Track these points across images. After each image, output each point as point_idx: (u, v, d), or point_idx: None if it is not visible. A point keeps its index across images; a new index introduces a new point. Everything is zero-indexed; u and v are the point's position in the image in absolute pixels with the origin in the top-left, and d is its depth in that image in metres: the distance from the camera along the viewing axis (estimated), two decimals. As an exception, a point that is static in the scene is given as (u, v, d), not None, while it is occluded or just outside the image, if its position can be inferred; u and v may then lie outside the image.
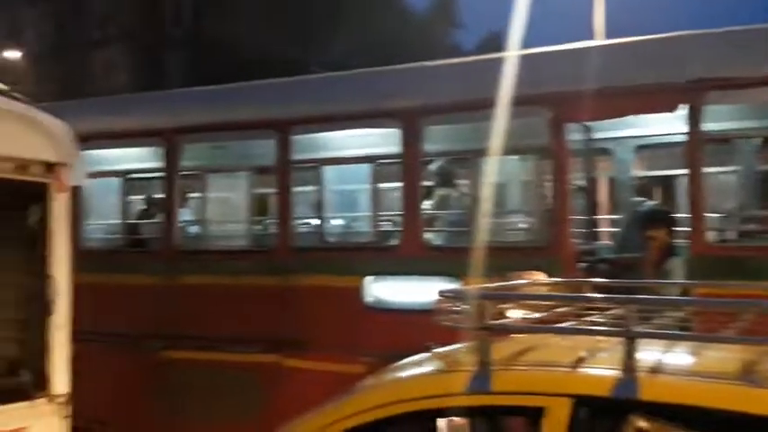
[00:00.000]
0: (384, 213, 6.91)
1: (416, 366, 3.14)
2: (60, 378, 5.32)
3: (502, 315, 3.04)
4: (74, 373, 5.43)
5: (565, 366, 2.74)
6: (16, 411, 5.07)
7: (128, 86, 30.55)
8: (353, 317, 6.45)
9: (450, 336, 3.07)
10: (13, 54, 31.47)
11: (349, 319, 6.46)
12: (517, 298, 3.36)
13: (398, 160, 6.46)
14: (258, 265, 6.91)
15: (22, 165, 5.13)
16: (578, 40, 6.50)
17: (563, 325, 3.10)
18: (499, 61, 5.74)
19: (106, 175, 7.40)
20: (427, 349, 3.15)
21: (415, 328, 5.99)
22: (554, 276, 4.63)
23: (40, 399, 5.21)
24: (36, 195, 5.31)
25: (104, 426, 6.90)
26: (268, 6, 30.60)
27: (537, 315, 3.24)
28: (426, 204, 6.74)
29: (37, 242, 5.37)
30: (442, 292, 2.91)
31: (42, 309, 5.31)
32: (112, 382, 6.94)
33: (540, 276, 4.00)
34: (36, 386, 5.26)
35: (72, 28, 35.49)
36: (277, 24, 30.54)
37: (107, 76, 33.85)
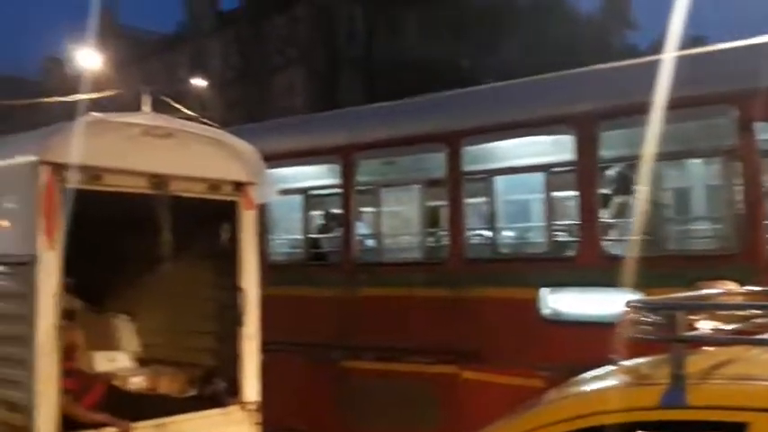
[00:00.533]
0: (559, 223, 6.75)
1: (602, 380, 3.03)
2: (251, 386, 5.62)
3: (691, 327, 2.87)
4: (261, 381, 5.73)
5: (768, 380, 2.55)
6: (211, 418, 5.42)
7: (305, 107, 32.02)
8: (530, 329, 6.34)
9: (632, 348, 2.94)
10: (200, 83, 33.83)
11: (525, 331, 6.36)
12: (714, 308, 3.16)
13: (573, 167, 6.29)
14: (432, 277, 6.97)
15: (215, 185, 5.50)
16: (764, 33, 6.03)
17: (768, 336, 2.87)
18: (679, 60, 5.46)
19: (288, 192, 7.76)
20: (611, 362, 3.02)
21: (595, 341, 5.81)
22: (746, 285, 4.31)
23: (233, 406, 5.53)
24: (226, 213, 5.68)
25: (291, 433, 7.21)
26: (437, 20, 30.94)
27: (730, 326, 3.03)
28: (604, 212, 6.51)
29: (228, 257, 5.73)
30: (630, 303, 2.79)
31: (234, 320, 5.65)
32: (296, 390, 7.24)
33: (732, 286, 3.73)
34: (229, 394, 5.60)
35: (254, 55, 37.68)
36: (447, 37, 30.81)
37: (286, 97, 35.63)
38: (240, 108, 36.54)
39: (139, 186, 5.08)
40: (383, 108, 8.12)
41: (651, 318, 2.69)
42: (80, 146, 4.70)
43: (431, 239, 7.42)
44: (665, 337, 2.66)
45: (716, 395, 2.56)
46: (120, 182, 4.99)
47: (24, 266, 4.59)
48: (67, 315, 4.97)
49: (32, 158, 4.64)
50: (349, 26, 36.12)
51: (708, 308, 3.11)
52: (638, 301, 2.90)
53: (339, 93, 33.45)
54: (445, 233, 7.11)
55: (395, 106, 8.03)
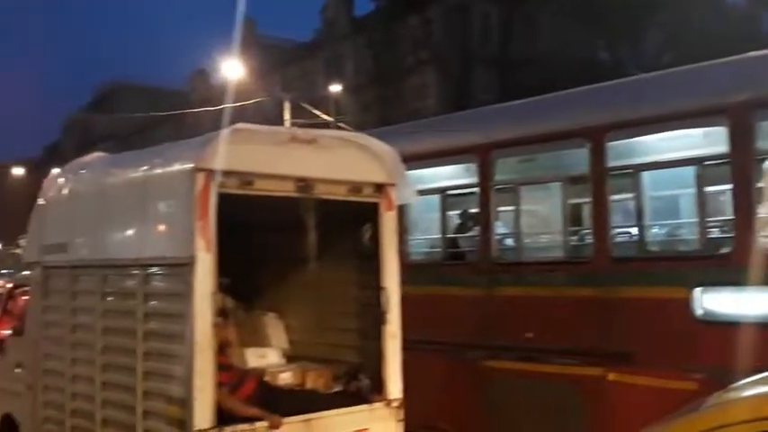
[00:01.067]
0: (712, 219, 6.40)
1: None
2: (395, 384, 5.71)
3: None
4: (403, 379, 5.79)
5: None
6: (358, 414, 5.53)
7: (438, 107, 32.09)
8: (682, 330, 6.05)
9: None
10: (336, 88, 34.60)
11: (677, 332, 6.08)
12: None
13: (726, 160, 5.96)
14: (576, 277, 6.79)
15: (356, 187, 5.62)
16: None
17: None
18: None
19: (425, 192, 7.78)
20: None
21: (752, 343, 5.50)
22: None
23: (377, 403, 5.63)
24: (368, 214, 5.79)
25: (434, 431, 7.24)
26: (573, 13, 30.15)
27: None
28: (761, 208, 6.12)
29: (370, 257, 5.84)
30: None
31: (377, 318, 5.75)
32: (439, 389, 7.26)
33: None
34: (373, 391, 5.70)
35: (387, 57, 38.16)
36: (584, 30, 29.98)
37: (419, 99, 35.85)
38: (374, 111, 37.11)
39: (286, 190, 5.28)
40: (521, 105, 8.01)
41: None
42: (233, 153, 4.95)
43: (574, 238, 7.23)
44: None
45: None
46: (269, 186, 5.20)
47: (182, 268, 4.86)
48: (221, 313, 5.23)
49: (190, 166, 4.91)
50: (483, 24, 35.85)
51: None
52: None
53: (472, 92, 33.27)
54: (589, 231, 6.91)
55: (533, 102, 7.89)
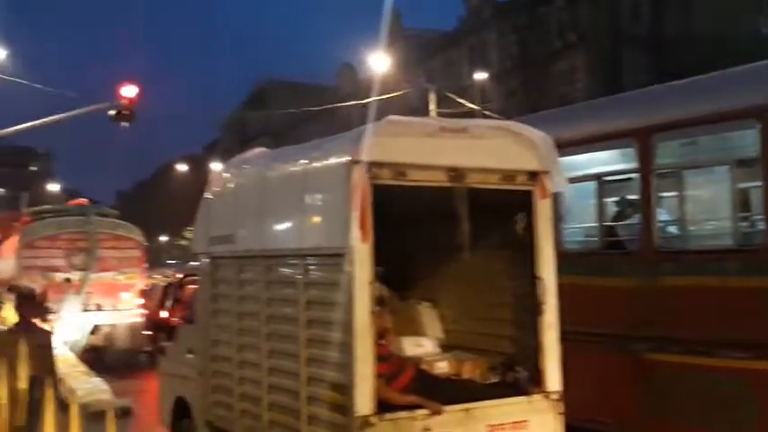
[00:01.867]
0: None
1: None
2: (553, 376, 5.59)
3: None
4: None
5: None
6: (516, 405, 5.47)
7: (587, 91, 31.12)
8: None
9: None
10: (481, 76, 34.32)
11: None
12: None
13: None
14: (747, 265, 6.38)
15: (509, 175, 5.55)
16: None
17: None
18: None
19: (580, 179, 7.56)
20: None
21: None
22: None
23: (536, 395, 5.54)
24: (521, 203, 5.69)
25: (595, 424, 7.04)
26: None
27: None
28: None
29: (524, 246, 5.74)
30: None
31: (533, 309, 5.65)
32: (598, 381, 7.05)
33: None
34: (531, 382, 5.61)
35: (532, 42, 37.43)
36: (741, 5, 28.11)
37: (567, 83, 34.90)
38: (520, 97, 36.51)
39: (439, 180, 5.30)
40: (680, 86, 7.60)
41: None
42: (387, 145, 5.05)
43: (744, 224, 6.79)
44: None
45: None
46: (422, 176, 5.23)
47: (340, 257, 4.99)
48: (379, 302, 5.32)
49: (346, 159, 5.03)
50: (632, 2, 34.34)
51: None
52: None
53: (623, 74, 31.99)
54: (761, 217, 6.46)
55: (693, 83, 7.47)
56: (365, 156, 4.95)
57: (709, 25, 28.76)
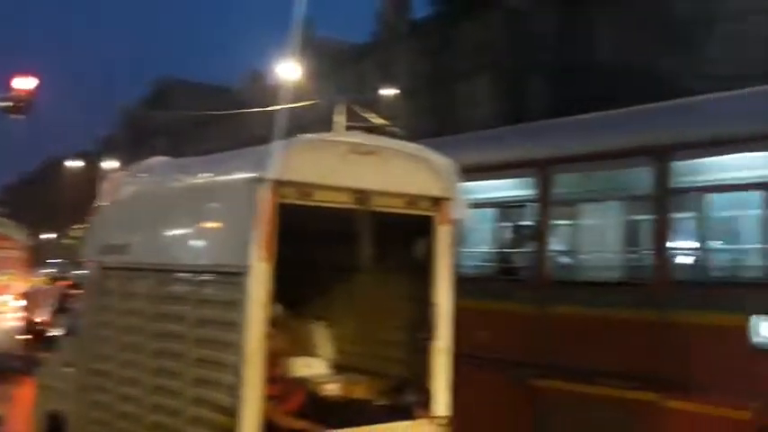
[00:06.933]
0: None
1: None
2: (442, 400, 5.61)
3: None
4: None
5: None
6: (404, 429, 5.45)
7: (493, 113, 31.84)
8: (738, 358, 5.87)
9: None
10: (390, 91, 34.54)
11: (733, 360, 5.90)
12: None
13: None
14: (633, 298, 6.62)
15: (413, 200, 5.55)
16: None
17: None
18: None
19: (480, 206, 7.67)
20: None
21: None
22: None
23: (424, 419, 5.54)
24: (423, 228, 5.71)
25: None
26: (633, 21, 29.64)
27: None
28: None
29: (423, 271, 5.76)
30: None
31: (427, 333, 5.66)
32: (488, 406, 7.14)
33: None
34: (420, 406, 5.61)
35: (442, 62, 38.01)
36: (644, 39, 29.44)
37: (473, 104, 35.62)
38: (427, 115, 36.98)
39: (344, 201, 5.24)
40: (580, 120, 7.85)
41: None
42: (294, 164, 4.94)
43: (633, 258, 7.05)
44: None
45: None
46: (328, 197, 5.17)
47: (238, 276, 4.85)
48: (274, 323, 5.21)
49: (252, 176, 4.91)
50: (541, 31, 35.46)
51: None
52: None
53: (528, 100, 32.92)
54: (649, 252, 6.73)
55: (593, 118, 7.73)
56: (271, 174, 4.84)
57: (612, 57, 29.96)
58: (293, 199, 4.95)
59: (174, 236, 5.87)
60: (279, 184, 4.85)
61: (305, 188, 5.01)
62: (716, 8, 28.41)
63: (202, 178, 5.62)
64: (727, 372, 5.91)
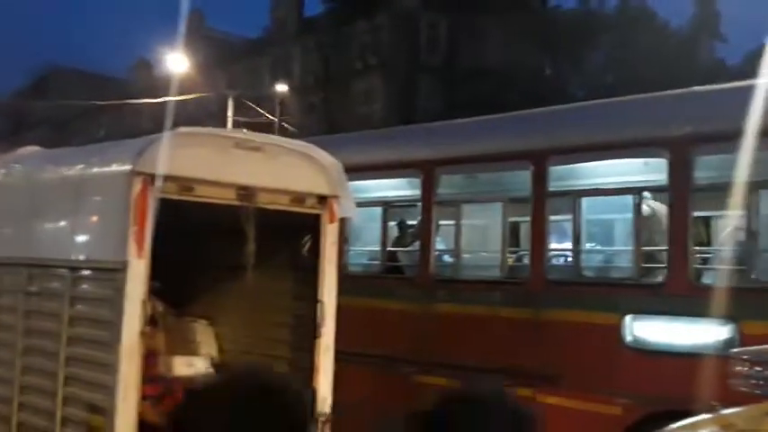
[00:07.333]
0: (647, 248, 6.51)
1: (709, 427, 2.85)
2: (324, 399, 5.61)
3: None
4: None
5: None
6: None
7: (384, 113, 32.12)
8: (611, 356, 6.15)
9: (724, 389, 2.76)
10: (282, 87, 34.27)
11: (606, 357, 6.17)
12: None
13: (664, 190, 6.09)
14: (511, 297, 6.84)
15: (299, 198, 5.53)
16: None
17: None
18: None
19: (367, 204, 7.74)
20: (712, 409, 2.86)
21: (682, 372, 5.62)
22: None
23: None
24: (309, 225, 5.70)
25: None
26: (520, 29, 30.62)
27: None
28: (697, 238, 6.26)
29: (308, 269, 5.75)
30: (736, 354, 2.62)
31: (311, 331, 5.65)
32: (371, 402, 7.20)
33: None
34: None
35: (334, 60, 38.02)
36: (529, 46, 30.44)
37: (365, 103, 35.83)
38: (319, 113, 36.92)
39: (228, 198, 5.14)
40: (466, 124, 8.05)
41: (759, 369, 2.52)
42: (174, 157, 4.79)
43: (511, 258, 7.29)
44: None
45: None
46: (210, 193, 5.06)
47: (114, 273, 4.69)
48: (151, 321, 5.07)
49: (127, 168, 4.73)
50: (430, 33, 36.07)
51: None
52: (745, 352, 2.72)
53: (418, 100, 33.44)
54: (527, 253, 6.97)
55: (478, 122, 7.94)
56: (149, 167, 4.68)
57: (500, 61, 30.83)
58: (173, 194, 4.81)
59: (46, 229, 5.62)
60: (156, 177, 4.69)
61: (185, 183, 4.89)
62: (599, 19, 29.71)
63: (76, 170, 5.38)
64: (601, 369, 6.18)
